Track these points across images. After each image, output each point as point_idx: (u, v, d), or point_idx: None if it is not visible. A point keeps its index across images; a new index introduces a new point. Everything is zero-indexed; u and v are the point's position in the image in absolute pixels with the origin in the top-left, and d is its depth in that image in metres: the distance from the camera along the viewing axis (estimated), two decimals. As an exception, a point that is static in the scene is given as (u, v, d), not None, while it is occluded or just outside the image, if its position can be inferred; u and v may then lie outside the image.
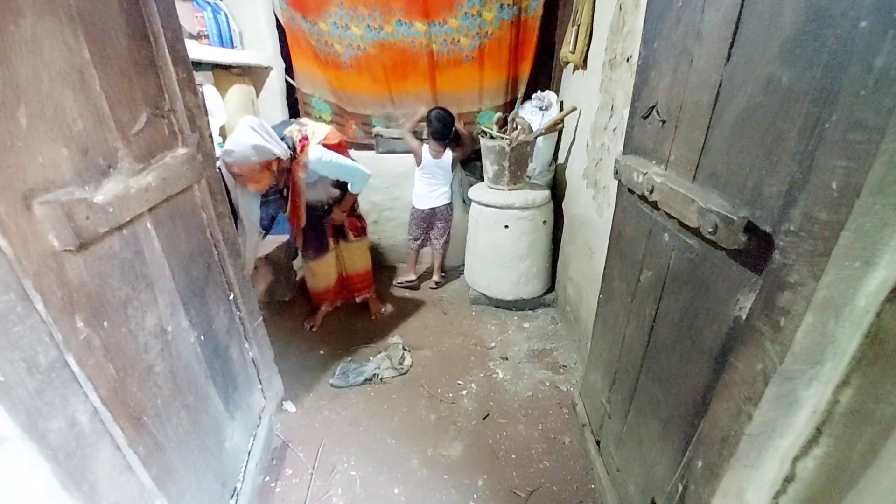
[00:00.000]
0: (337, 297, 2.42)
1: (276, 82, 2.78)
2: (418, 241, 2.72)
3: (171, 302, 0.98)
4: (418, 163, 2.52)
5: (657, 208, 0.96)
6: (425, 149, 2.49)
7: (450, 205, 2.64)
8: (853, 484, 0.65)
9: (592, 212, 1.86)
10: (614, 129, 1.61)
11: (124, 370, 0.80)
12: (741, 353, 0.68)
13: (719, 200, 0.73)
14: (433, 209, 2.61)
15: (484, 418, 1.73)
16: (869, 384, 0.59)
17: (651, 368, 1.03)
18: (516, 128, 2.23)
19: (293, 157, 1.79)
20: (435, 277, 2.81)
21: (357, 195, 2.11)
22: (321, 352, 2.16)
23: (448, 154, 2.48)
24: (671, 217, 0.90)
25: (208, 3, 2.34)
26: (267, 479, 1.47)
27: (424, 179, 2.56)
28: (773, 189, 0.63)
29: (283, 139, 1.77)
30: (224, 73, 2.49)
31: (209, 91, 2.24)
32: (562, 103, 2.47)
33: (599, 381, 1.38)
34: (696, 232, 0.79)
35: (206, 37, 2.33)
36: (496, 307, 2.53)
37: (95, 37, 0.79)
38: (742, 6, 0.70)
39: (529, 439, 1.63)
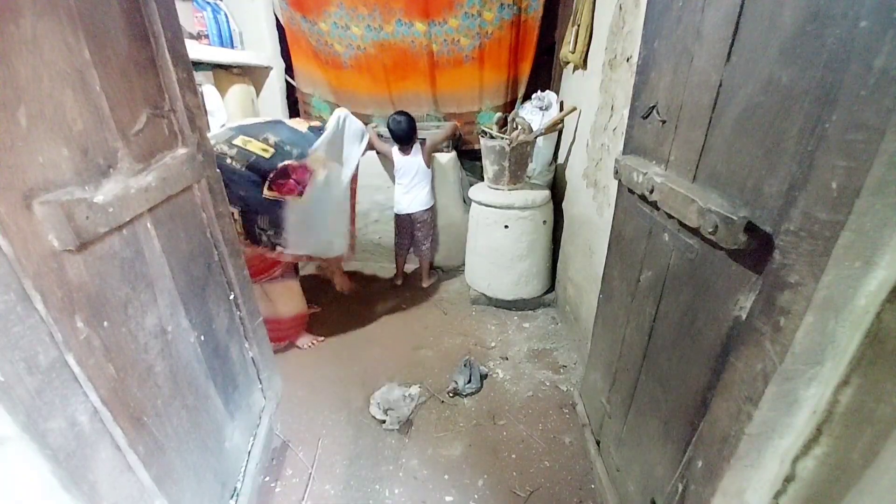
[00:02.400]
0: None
1: (276, 82, 2.78)
2: (405, 247, 2.72)
3: (171, 302, 0.98)
4: (393, 165, 2.54)
5: (657, 208, 0.96)
6: (395, 150, 2.50)
7: (430, 209, 2.60)
8: (853, 484, 0.65)
9: (592, 212, 1.86)
10: (614, 129, 1.61)
11: (124, 370, 0.80)
12: (741, 353, 0.68)
13: (719, 200, 0.73)
14: (411, 214, 2.58)
15: (484, 418, 1.73)
16: (869, 384, 0.59)
17: (651, 368, 1.03)
18: (516, 128, 2.23)
19: None
20: (423, 284, 2.78)
21: None
22: (323, 351, 2.16)
23: (417, 149, 2.47)
24: (671, 217, 0.90)
25: (208, 3, 2.34)
26: (267, 479, 1.47)
27: (401, 181, 2.54)
28: (773, 189, 0.63)
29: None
30: (224, 73, 2.49)
31: (209, 91, 2.24)
32: (562, 103, 2.47)
33: (599, 381, 1.38)
34: (696, 232, 0.79)
35: (206, 37, 2.33)
36: (496, 307, 2.53)
37: (95, 37, 0.79)
38: (742, 6, 0.70)
39: (529, 439, 1.63)
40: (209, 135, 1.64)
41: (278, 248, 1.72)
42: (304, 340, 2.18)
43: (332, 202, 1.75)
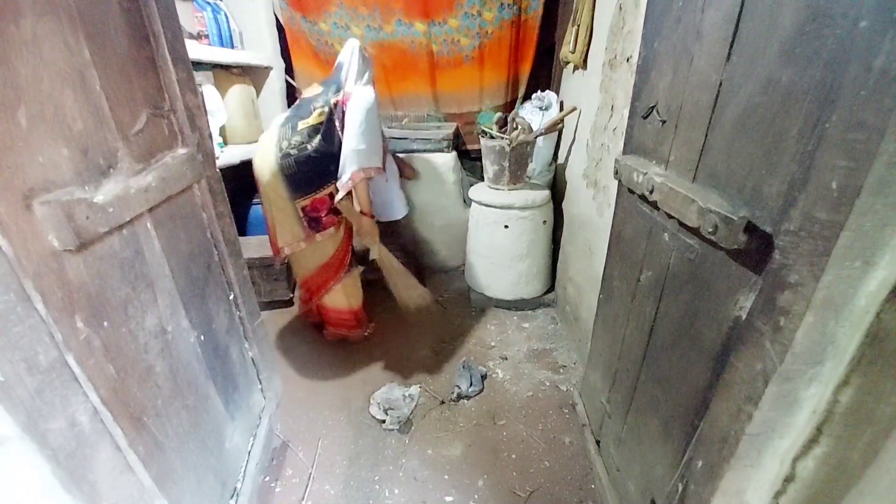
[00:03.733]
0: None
1: (276, 82, 2.78)
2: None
3: (171, 302, 0.98)
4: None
5: (657, 208, 0.96)
6: None
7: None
8: (853, 484, 0.65)
9: (592, 212, 1.86)
10: (614, 129, 1.61)
11: (124, 370, 0.80)
12: (741, 353, 0.68)
13: (719, 200, 0.73)
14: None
15: (484, 418, 1.74)
16: (869, 384, 0.59)
17: (651, 368, 1.03)
18: (516, 128, 2.23)
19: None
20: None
21: None
22: (323, 351, 2.16)
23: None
24: (671, 217, 0.90)
25: (208, 3, 2.34)
26: (267, 479, 1.47)
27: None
28: (773, 189, 0.63)
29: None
30: (224, 73, 2.49)
31: (209, 91, 2.23)
32: (562, 103, 2.47)
33: (599, 381, 1.38)
34: (696, 232, 0.79)
35: (206, 37, 2.33)
36: (496, 307, 2.53)
37: (95, 37, 0.79)
38: (742, 6, 0.70)
39: (529, 439, 1.63)
40: (273, 142, 1.75)
41: (342, 179, 1.74)
42: (365, 329, 2.27)
43: (367, 115, 1.76)
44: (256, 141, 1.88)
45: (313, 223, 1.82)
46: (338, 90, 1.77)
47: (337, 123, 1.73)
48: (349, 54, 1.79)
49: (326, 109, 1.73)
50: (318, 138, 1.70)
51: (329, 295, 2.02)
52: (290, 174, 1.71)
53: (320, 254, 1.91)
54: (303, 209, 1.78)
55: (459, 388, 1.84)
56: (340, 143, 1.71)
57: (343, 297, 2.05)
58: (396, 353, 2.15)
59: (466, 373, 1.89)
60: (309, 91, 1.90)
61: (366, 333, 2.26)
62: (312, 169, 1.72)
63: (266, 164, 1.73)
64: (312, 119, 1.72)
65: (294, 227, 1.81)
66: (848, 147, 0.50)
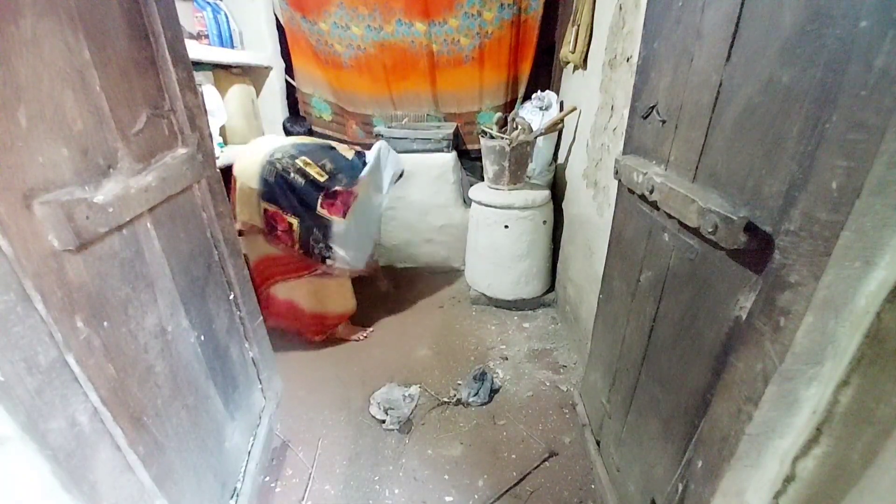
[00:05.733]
0: None
1: (276, 82, 2.78)
2: None
3: (172, 302, 0.98)
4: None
5: (657, 208, 0.96)
6: None
7: None
8: (853, 484, 0.64)
9: (592, 212, 1.86)
10: (614, 129, 1.61)
11: (124, 370, 0.80)
12: (741, 353, 0.68)
13: (719, 200, 0.73)
14: None
15: (484, 418, 1.73)
16: (869, 384, 0.59)
17: (651, 368, 1.03)
18: (516, 128, 2.23)
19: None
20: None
21: None
22: (323, 351, 2.16)
23: None
24: (671, 217, 0.90)
25: (208, 3, 2.34)
26: (267, 479, 1.47)
27: None
28: (773, 189, 0.63)
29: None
30: (224, 73, 2.49)
31: (209, 91, 2.23)
32: (562, 103, 2.47)
33: (599, 381, 1.38)
34: (696, 232, 0.79)
35: (206, 37, 2.33)
36: (496, 307, 2.53)
37: (95, 37, 0.79)
38: (742, 6, 0.70)
39: (529, 439, 1.63)
40: (271, 145, 1.87)
41: (328, 262, 1.97)
42: (356, 334, 2.27)
43: (368, 223, 2.06)
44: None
45: (269, 227, 1.90)
46: (349, 181, 1.89)
47: (321, 201, 1.85)
48: (375, 156, 2.00)
49: (326, 177, 1.84)
50: (300, 180, 1.82)
51: (284, 288, 2.07)
52: (264, 178, 1.81)
53: (265, 246, 1.97)
54: (265, 211, 1.87)
55: (459, 393, 1.82)
56: (308, 204, 1.85)
57: (307, 295, 2.08)
58: (396, 353, 2.15)
59: (477, 384, 1.82)
60: (342, 150, 2.01)
61: (363, 337, 2.27)
62: (282, 189, 1.82)
63: (253, 160, 1.83)
64: (312, 169, 1.84)
65: (254, 214, 1.87)
66: (848, 147, 0.50)
